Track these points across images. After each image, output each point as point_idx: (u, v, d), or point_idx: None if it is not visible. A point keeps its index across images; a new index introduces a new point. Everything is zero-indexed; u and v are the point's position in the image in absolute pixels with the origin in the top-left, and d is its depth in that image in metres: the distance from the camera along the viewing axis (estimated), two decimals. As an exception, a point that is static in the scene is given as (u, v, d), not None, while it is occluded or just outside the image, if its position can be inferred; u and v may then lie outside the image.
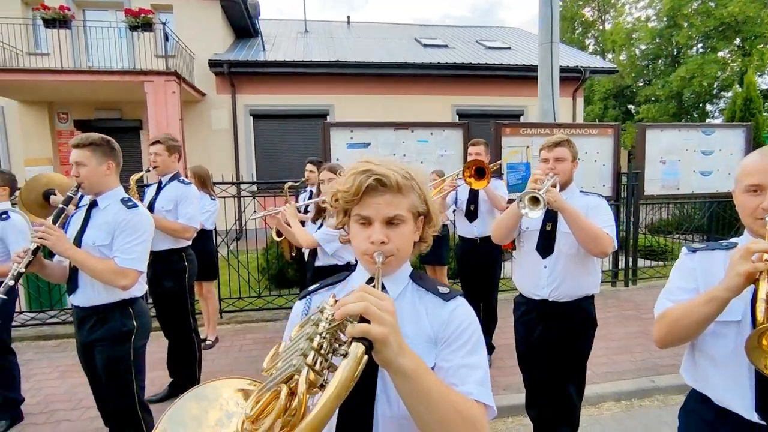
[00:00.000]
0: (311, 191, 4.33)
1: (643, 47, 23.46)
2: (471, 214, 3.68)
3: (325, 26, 14.77)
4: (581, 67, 11.59)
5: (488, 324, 3.84)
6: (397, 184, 0.96)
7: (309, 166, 4.32)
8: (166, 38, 8.84)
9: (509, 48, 13.36)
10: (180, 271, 3.13)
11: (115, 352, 2.13)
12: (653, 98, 21.98)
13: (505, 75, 11.79)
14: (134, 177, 3.18)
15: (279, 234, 4.14)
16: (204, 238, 4.02)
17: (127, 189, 2.42)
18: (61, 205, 2.08)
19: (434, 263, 4.83)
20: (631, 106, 26.15)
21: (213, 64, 10.38)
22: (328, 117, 11.32)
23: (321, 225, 2.88)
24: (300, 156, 11.28)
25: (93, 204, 2.15)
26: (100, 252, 2.06)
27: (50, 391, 3.46)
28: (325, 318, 0.80)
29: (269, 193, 5.97)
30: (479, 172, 3.38)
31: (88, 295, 2.09)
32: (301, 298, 1.14)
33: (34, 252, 1.94)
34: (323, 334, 0.76)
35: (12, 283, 1.88)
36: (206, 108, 10.88)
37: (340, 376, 0.68)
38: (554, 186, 2.26)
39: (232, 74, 10.49)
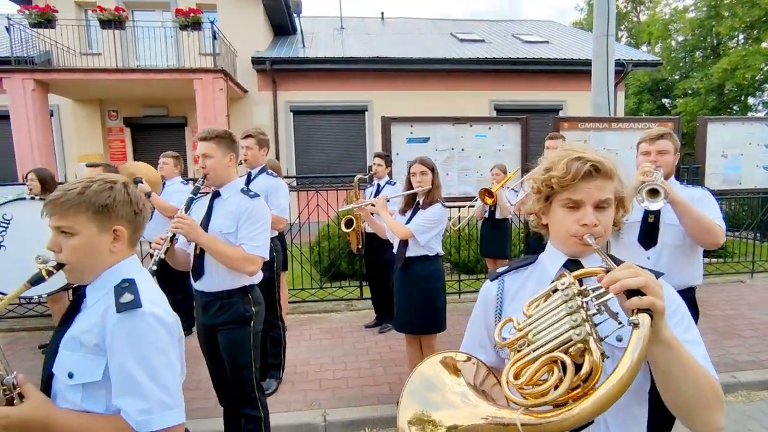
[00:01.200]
0: (378, 184, 4.41)
1: (680, 39, 22.77)
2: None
3: (359, 22, 14.85)
4: (623, 60, 11.33)
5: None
6: (609, 170, 1.02)
7: (377, 160, 4.39)
8: (215, 37, 9.05)
9: (547, 42, 13.18)
10: (270, 260, 3.25)
11: (237, 335, 2.25)
12: (691, 91, 21.34)
13: (544, 69, 11.64)
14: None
15: (348, 225, 4.24)
16: (277, 230, 4.15)
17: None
18: (190, 195, 2.20)
19: (496, 256, 4.86)
20: (665, 100, 25.43)
21: (256, 61, 10.58)
22: (366, 113, 11.43)
23: (412, 216, 2.94)
24: (339, 151, 11.51)
25: (216, 194, 2.27)
26: (225, 239, 2.18)
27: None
28: (579, 292, 0.86)
29: (302, 187, 6.08)
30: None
31: (213, 281, 2.21)
32: (492, 279, 1.20)
33: (171, 239, 2.06)
34: (594, 307, 0.82)
35: (155, 268, 2.00)
36: (248, 104, 11.10)
37: (638, 344, 0.73)
38: None
39: (274, 71, 10.67)
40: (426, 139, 5.35)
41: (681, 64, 23.15)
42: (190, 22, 8.86)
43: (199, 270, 2.21)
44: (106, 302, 1.11)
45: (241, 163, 3.32)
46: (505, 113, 11.35)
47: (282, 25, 12.43)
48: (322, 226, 6.32)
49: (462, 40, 12.98)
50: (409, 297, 2.97)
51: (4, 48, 10.55)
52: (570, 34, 14.67)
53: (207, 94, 9.02)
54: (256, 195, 2.27)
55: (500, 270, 1.22)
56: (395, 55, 11.30)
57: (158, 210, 4.12)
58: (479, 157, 5.46)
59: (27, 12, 8.31)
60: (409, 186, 2.98)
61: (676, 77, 23.61)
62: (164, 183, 4.45)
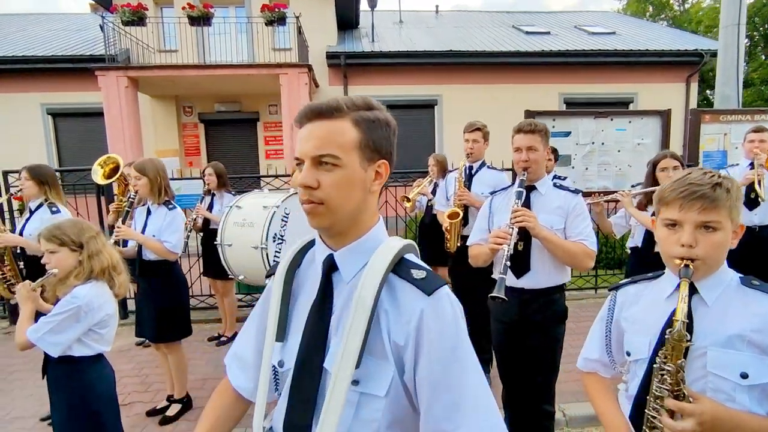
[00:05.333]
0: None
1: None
2: (752, 202, 3.59)
3: (416, 16, 14.74)
4: (701, 50, 11.09)
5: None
6: None
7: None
8: (299, 31, 9.03)
9: (613, 33, 12.94)
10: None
11: (553, 332, 2.22)
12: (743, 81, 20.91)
13: (613, 61, 11.43)
14: (461, 163, 3.27)
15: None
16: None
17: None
18: (518, 189, 2.16)
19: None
20: (708, 92, 24.89)
21: (330, 56, 10.54)
22: (436, 107, 11.35)
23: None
24: (410, 146, 11.41)
25: (531, 189, 2.23)
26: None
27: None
28: None
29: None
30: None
31: (540, 277, 2.17)
32: None
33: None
34: None
35: (509, 263, 1.98)
36: (320, 99, 10.94)
37: None
38: None
39: (347, 65, 10.62)
40: (567, 134, 5.27)
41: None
42: (276, 18, 8.84)
43: (523, 266, 2.17)
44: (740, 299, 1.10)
45: (468, 155, 3.29)
46: (575, 106, 11.19)
47: (347, 20, 12.36)
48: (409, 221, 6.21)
49: (527, 33, 12.80)
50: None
51: (86, 46, 10.73)
52: (635, 24, 14.40)
53: (292, 89, 9.01)
54: (578, 191, 2.23)
55: None
56: (463, 48, 11.18)
57: None
58: (618, 151, 5.36)
59: (121, 10, 8.35)
60: (654, 181, 2.92)
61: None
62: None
